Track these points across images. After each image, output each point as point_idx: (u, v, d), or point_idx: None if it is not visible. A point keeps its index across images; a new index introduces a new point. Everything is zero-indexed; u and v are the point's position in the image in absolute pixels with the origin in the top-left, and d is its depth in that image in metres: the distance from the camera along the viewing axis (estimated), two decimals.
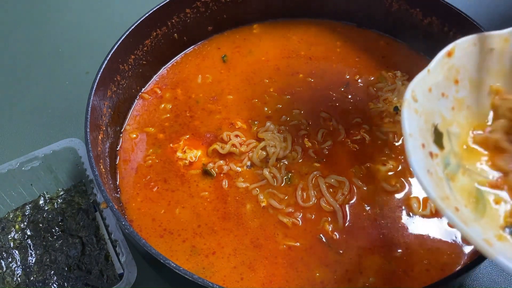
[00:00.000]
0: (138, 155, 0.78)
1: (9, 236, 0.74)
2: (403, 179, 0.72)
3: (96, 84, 0.72)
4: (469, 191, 0.52)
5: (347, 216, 0.69)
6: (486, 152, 0.55)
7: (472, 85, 0.59)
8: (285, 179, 0.73)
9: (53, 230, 0.75)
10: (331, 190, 0.71)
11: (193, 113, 0.83)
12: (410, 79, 0.78)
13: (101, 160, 0.70)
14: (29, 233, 0.75)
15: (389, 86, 0.83)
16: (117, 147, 0.79)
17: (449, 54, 0.56)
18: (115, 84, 0.79)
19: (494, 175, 0.54)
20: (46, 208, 0.77)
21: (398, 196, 0.70)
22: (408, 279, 0.63)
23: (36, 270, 0.71)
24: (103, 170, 0.69)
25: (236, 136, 0.77)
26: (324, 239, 0.67)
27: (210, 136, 0.79)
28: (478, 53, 0.58)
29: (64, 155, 0.79)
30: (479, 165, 0.55)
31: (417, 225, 0.68)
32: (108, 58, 0.75)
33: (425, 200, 0.69)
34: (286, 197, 0.71)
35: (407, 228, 0.67)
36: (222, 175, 0.74)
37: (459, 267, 0.64)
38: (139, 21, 0.81)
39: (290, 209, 0.70)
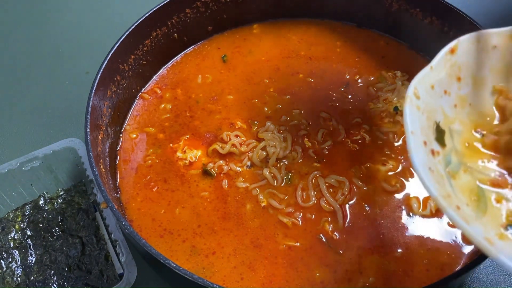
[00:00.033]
0: (138, 155, 0.78)
1: (9, 236, 0.74)
2: (403, 179, 0.72)
3: (96, 84, 0.72)
4: (471, 189, 0.52)
5: (347, 216, 0.69)
6: (497, 155, 0.55)
7: (474, 82, 0.58)
8: (285, 179, 0.73)
9: (53, 230, 0.75)
10: (331, 190, 0.71)
11: (193, 113, 0.83)
12: (410, 79, 0.78)
13: (101, 160, 0.70)
14: (29, 233, 0.75)
15: (389, 86, 0.83)
16: (117, 147, 0.79)
17: (452, 51, 0.56)
18: (115, 84, 0.79)
19: (495, 173, 0.54)
20: (46, 208, 0.77)
21: (398, 196, 0.70)
22: (408, 279, 0.63)
23: (36, 270, 0.71)
24: (103, 170, 0.69)
25: (236, 136, 0.77)
26: (324, 239, 0.67)
27: (210, 136, 0.79)
28: (481, 50, 0.58)
29: (64, 155, 0.79)
30: (481, 163, 0.55)
31: (417, 225, 0.67)
32: (108, 58, 0.75)
33: (425, 200, 0.69)
34: (286, 197, 0.71)
35: (407, 228, 0.67)
36: (222, 175, 0.74)
37: (459, 267, 0.64)
38: (139, 21, 0.81)
39: (290, 209, 0.70)
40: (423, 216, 0.68)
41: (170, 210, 0.71)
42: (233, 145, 0.76)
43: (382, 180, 0.72)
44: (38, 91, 1.01)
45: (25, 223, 0.76)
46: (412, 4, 0.87)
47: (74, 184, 0.81)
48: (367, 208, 0.69)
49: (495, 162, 0.55)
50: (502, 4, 1.14)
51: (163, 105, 0.84)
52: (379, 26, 0.94)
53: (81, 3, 1.21)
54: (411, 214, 0.69)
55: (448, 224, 0.67)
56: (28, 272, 0.71)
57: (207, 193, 0.72)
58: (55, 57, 1.08)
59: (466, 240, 0.66)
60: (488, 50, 0.58)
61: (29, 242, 0.74)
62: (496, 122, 0.58)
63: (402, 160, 0.74)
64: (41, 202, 0.78)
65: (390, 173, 0.73)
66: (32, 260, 0.72)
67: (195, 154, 0.76)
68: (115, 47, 0.77)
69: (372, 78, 0.86)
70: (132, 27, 0.80)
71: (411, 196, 0.70)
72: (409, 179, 0.72)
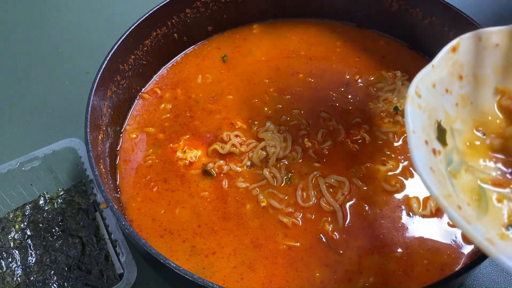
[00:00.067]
0: (138, 155, 0.78)
1: (9, 236, 0.74)
2: (403, 179, 0.72)
3: (96, 84, 0.72)
4: (472, 189, 0.52)
5: (347, 216, 0.69)
6: (503, 157, 0.55)
7: (476, 81, 0.58)
8: (285, 179, 0.73)
9: (53, 230, 0.75)
10: (331, 190, 0.71)
11: (193, 113, 0.83)
12: (410, 79, 0.78)
13: (101, 160, 0.70)
14: (29, 233, 0.75)
15: (389, 86, 0.83)
16: (117, 147, 0.79)
17: (454, 49, 0.56)
18: (115, 84, 0.79)
19: (497, 172, 0.54)
20: (46, 208, 0.77)
21: (398, 196, 0.70)
22: (408, 279, 0.63)
23: (36, 270, 0.71)
24: (103, 170, 0.69)
25: (236, 136, 0.77)
26: (324, 239, 0.67)
27: (210, 136, 0.79)
28: (483, 48, 0.58)
29: (64, 155, 0.79)
30: (482, 162, 0.54)
31: (417, 225, 0.67)
32: (108, 58, 0.75)
33: (425, 200, 0.69)
34: (286, 197, 0.71)
35: (407, 228, 0.67)
36: (222, 175, 0.74)
37: (459, 267, 0.64)
38: (139, 21, 0.81)
39: (290, 209, 0.70)
40: (423, 216, 0.68)
41: (170, 210, 0.71)
42: (233, 145, 0.76)
43: (382, 180, 0.72)
44: (38, 91, 1.01)
45: (25, 223, 0.76)
46: (412, 4, 0.87)
47: (74, 184, 0.81)
48: (367, 208, 0.69)
49: (498, 162, 0.54)
50: (502, 4, 1.14)
51: (163, 105, 0.84)
52: (379, 26, 0.94)
53: (81, 3, 1.21)
54: (411, 214, 0.69)
55: (448, 224, 0.67)
56: (28, 272, 0.71)
57: (207, 193, 0.72)
58: (55, 57, 1.08)
59: (466, 240, 0.66)
60: (490, 49, 0.58)
61: (29, 242, 0.74)
62: (498, 121, 0.58)
63: (402, 160, 0.74)
64: (41, 202, 0.78)
65: (390, 173, 0.73)
66: (32, 260, 0.72)
67: (195, 154, 0.76)
68: (115, 47, 0.77)
69: (372, 78, 0.86)
70: (132, 27, 0.80)
71: (411, 196, 0.70)
72: (409, 179, 0.72)
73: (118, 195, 0.73)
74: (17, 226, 0.75)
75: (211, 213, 0.70)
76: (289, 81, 0.86)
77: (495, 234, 0.47)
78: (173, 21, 0.88)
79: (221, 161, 0.75)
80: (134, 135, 0.80)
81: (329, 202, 0.69)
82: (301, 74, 0.87)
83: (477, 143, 0.56)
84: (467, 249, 0.65)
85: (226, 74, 0.88)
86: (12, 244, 0.74)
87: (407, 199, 0.70)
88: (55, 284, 0.70)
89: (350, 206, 0.70)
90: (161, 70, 0.90)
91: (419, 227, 0.67)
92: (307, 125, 0.79)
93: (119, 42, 0.77)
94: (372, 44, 0.92)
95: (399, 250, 0.65)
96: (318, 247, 0.66)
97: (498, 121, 0.58)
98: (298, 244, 0.66)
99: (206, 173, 0.74)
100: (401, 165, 0.73)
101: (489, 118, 0.58)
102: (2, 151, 0.91)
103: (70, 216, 0.76)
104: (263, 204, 0.70)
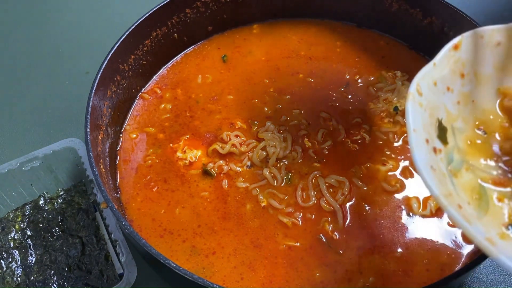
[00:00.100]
0: (138, 155, 0.78)
1: (9, 236, 0.74)
2: (403, 179, 0.72)
3: (96, 84, 0.72)
4: (473, 188, 0.51)
5: (347, 216, 0.69)
6: (508, 158, 0.55)
7: (478, 79, 0.58)
8: (285, 179, 0.73)
9: (53, 230, 0.75)
10: (331, 190, 0.71)
11: (193, 113, 0.83)
12: (410, 79, 0.78)
13: (101, 160, 0.70)
14: (29, 233, 0.75)
15: (389, 86, 0.83)
16: (117, 147, 0.79)
17: (456, 47, 0.55)
18: (115, 84, 0.79)
19: (498, 171, 0.53)
20: (46, 208, 0.77)
21: (398, 196, 0.70)
22: (408, 279, 0.63)
23: (36, 270, 0.71)
24: (103, 170, 0.69)
25: (236, 136, 0.77)
26: (324, 239, 0.67)
27: (210, 136, 0.79)
28: (485, 46, 0.57)
29: (64, 155, 0.79)
30: (483, 161, 0.54)
31: (417, 225, 0.67)
32: (108, 58, 0.75)
33: (425, 200, 0.69)
34: (286, 197, 0.71)
35: (407, 228, 0.67)
36: (222, 175, 0.74)
37: (459, 267, 0.64)
38: (139, 21, 0.81)
39: (290, 209, 0.70)
40: (423, 216, 0.68)
41: (170, 210, 0.71)
42: (233, 145, 0.76)
43: (382, 180, 0.72)
44: (38, 91, 1.01)
45: (25, 223, 0.76)
46: (412, 4, 0.87)
47: (74, 184, 0.81)
48: (367, 208, 0.69)
49: (499, 161, 0.54)
50: (502, 4, 1.14)
51: (163, 105, 0.84)
52: (379, 26, 0.94)
53: (81, 3, 1.21)
54: (411, 214, 0.69)
55: (448, 224, 0.67)
56: (28, 272, 0.71)
57: (207, 193, 0.72)
58: (55, 57, 1.08)
59: (466, 240, 0.66)
60: (492, 47, 0.57)
61: (29, 242, 0.74)
62: (499, 120, 0.58)
63: (402, 160, 0.74)
64: (41, 202, 0.78)
65: (390, 173, 0.73)
66: (32, 260, 0.72)
67: (195, 154, 0.76)
68: (115, 47, 0.77)
69: (372, 78, 0.86)
70: (132, 27, 0.80)
71: (411, 196, 0.70)
72: (409, 179, 0.72)
73: (118, 195, 0.73)
74: (17, 226, 0.75)
75: (211, 213, 0.70)
76: (289, 81, 0.86)
77: (495, 234, 0.47)
78: (173, 21, 0.88)
79: (221, 161, 0.75)
80: (134, 135, 0.80)
81: (329, 202, 0.69)
82: (301, 74, 0.87)
83: (478, 141, 0.56)
84: (467, 249, 0.65)
85: (226, 74, 0.88)
86: (12, 244, 0.74)
87: (407, 199, 0.70)
88: (55, 284, 0.70)
89: (350, 206, 0.70)
90: (161, 70, 0.90)
91: (419, 227, 0.67)
92: (307, 125, 0.79)
93: (119, 42, 0.77)
94: (372, 44, 0.92)
95: (399, 250, 0.65)
96: (318, 247, 0.66)
97: (499, 120, 0.58)
98: (298, 244, 0.66)
99: (206, 173, 0.74)
100: (401, 165, 0.73)
101: (491, 117, 0.58)
102: (2, 151, 0.91)
103: (70, 216, 0.76)
104: (263, 204, 0.70)
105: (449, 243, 0.66)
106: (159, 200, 0.72)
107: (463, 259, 0.64)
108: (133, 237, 0.57)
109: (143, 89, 0.87)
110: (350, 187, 0.71)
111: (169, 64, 0.91)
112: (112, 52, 0.76)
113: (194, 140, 0.79)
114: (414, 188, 0.71)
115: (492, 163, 0.54)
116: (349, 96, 0.83)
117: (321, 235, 0.67)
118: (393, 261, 0.64)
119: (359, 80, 0.86)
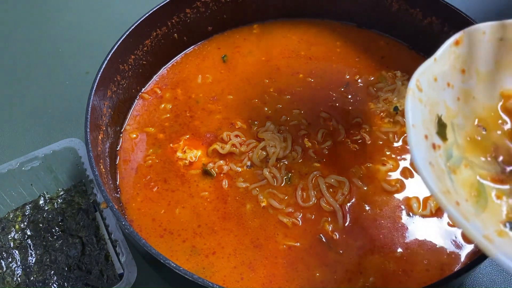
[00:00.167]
0: (138, 155, 0.78)
1: (9, 236, 0.74)
2: (403, 179, 0.72)
3: (96, 84, 0.72)
4: (471, 184, 0.51)
5: (347, 216, 0.69)
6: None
7: (479, 75, 0.57)
8: (285, 179, 0.73)
9: (53, 230, 0.75)
10: (331, 190, 0.71)
11: (193, 113, 0.83)
12: (410, 79, 0.78)
13: (101, 160, 0.70)
14: (29, 233, 0.75)
15: (389, 86, 0.83)
16: (117, 147, 0.79)
17: (457, 42, 0.55)
18: (115, 84, 0.79)
19: (497, 168, 0.53)
20: (46, 208, 0.77)
21: (398, 196, 0.70)
22: (408, 279, 0.63)
23: (36, 270, 0.71)
24: (103, 170, 0.69)
25: (236, 136, 0.77)
26: (324, 239, 0.67)
27: (210, 136, 0.79)
28: (487, 42, 0.57)
29: (64, 155, 0.79)
30: (483, 158, 0.54)
31: (417, 225, 0.68)
32: (108, 58, 0.75)
33: (425, 200, 0.70)
34: (286, 197, 0.71)
35: (407, 228, 0.67)
36: (222, 175, 0.74)
37: (459, 267, 0.64)
38: (139, 21, 0.81)
39: (290, 209, 0.70)
40: (423, 216, 0.68)
41: (170, 210, 0.71)
42: (233, 145, 0.76)
43: (382, 180, 0.72)
44: (38, 91, 1.01)
45: (25, 223, 0.76)
46: (412, 4, 0.87)
47: (74, 184, 0.81)
48: (367, 208, 0.69)
49: (498, 158, 0.54)
50: (502, 4, 1.14)
51: (163, 105, 0.84)
52: (379, 26, 0.94)
53: (81, 3, 1.21)
54: (411, 214, 0.69)
55: (448, 224, 0.67)
56: (28, 272, 0.71)
57: (207, 193, 0.72)
58: (55, 57, 1.08)
59: (466, 240, 0.66)
60: (494, 43, 0.57)
61: (29, 242, 0.74)
62: (500, 121, 0.57)
63: (402, 160, 0.74)
64: (41, 202, 0.78)
65: (390, 173, 0.73)
66: (32, 260, 0.72)
67: (195, 154, 0.76)
68: (115, 47, 0.77)
69: (372, 78, 0.86)
70: (132, 27, 0.80)
71: (411, 196, 0.70)
72: (409, 179, 0.72)
73: (118, 195, 0.73)
74: (17, 226, 0.75)
75: (211, 213, 0.70)
76: (289, 81, 0.86)
77: (493, 231, 0.46)
78: (173, 21, 0.88)
79: (221, 161, 0.75)
80: (134, 135, 0.80)
81: (329, 202, 0.69)
82: (301, 74, 0.87)
83: (478, 138, 0.56)
84: (467, 249, 0.65)
85: (226, 74, 0.88)
86: (12, 244, 0.74)
87: (407, 199, 0.70)
88: (55, 284, 0.70)
89: (350, 206, 0.70)
90: (161, 70, 0.90)
91: (419, 227, 0.67)
92: (307, 125, 0.79)
93: (119, 42, 0.77)
94: (372, 44, 0.92)
95: (399, 250, 0.65)
96: (318, 247, 0.66)
97: (500, 121, 0.58)
98: (298, 244, 0.66)
99: (206, 173, 0.74)
100: (401, 165, 0.73)
101: (492, 114, 0.57)
102: (2, 151, 0.91)
103: (70, 216, 0.76)
104: (263, 204, 0.70)
105: (449, 243, 0.66)
106: (159, 200, 0.72)
107: (463, 259, 0.64)
108: (133, 237, 0.57)
109: (143, 89, 0.87)
110: (350, 187, 0.71)
111: (169, 64, 0.91)
112: (112, 52, 0.76)
113: (194, 140, 0.79)
114: (414, 188, 0.71)
115: (491, 160, 0.54)
116: (349, 96, 0.83)
117: (321, 235, 0.67)
118: (393, 261, 0.64)
119: (359, 80, 0.86)
